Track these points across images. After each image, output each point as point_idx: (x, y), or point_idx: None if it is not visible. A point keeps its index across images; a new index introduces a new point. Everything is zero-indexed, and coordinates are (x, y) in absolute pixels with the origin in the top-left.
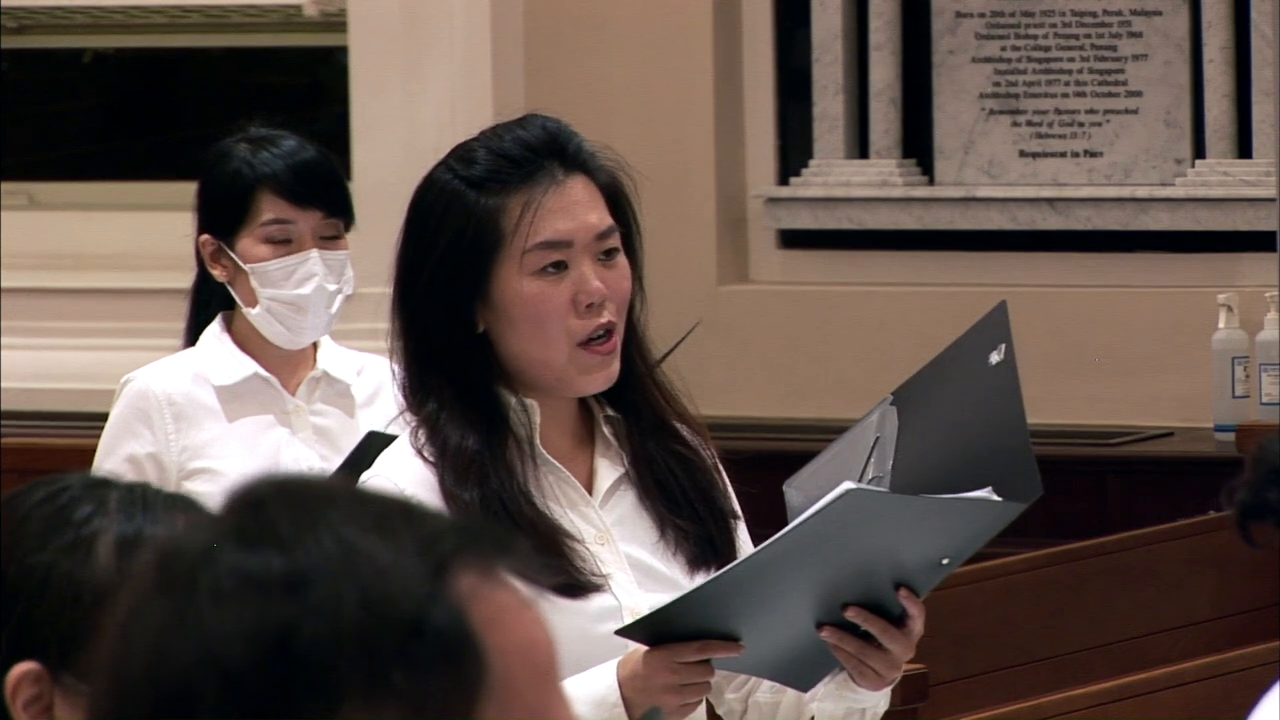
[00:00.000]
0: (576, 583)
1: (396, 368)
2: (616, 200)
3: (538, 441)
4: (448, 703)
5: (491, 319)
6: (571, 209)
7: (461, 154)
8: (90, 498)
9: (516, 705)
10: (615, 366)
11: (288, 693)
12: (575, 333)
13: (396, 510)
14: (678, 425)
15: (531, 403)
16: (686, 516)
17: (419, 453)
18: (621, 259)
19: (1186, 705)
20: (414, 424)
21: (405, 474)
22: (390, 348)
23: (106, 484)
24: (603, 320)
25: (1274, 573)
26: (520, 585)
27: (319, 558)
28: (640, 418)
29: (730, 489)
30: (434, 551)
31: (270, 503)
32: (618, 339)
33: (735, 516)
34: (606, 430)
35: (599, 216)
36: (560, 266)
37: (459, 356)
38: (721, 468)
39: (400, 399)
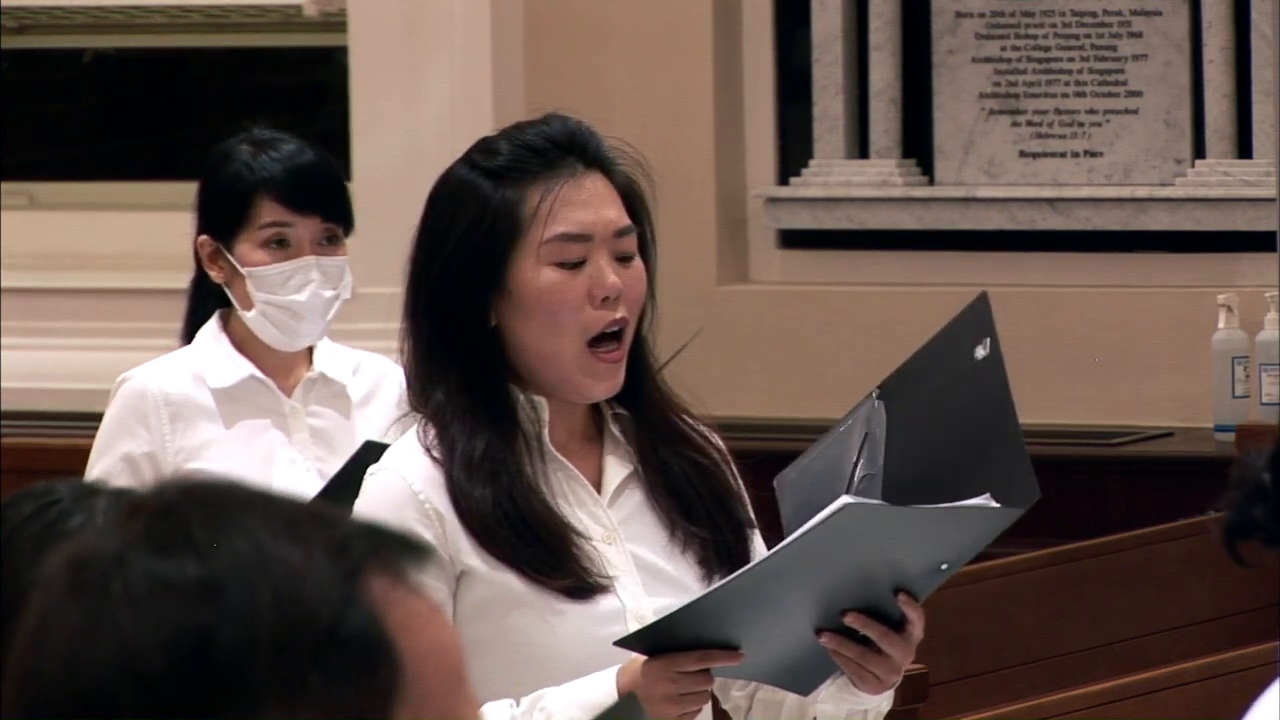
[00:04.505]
0: (583, 584)
1: (405, 363)
2: (632, 203)
3: (546, 438)
4: (364, 706)
5: (506, 311)
6: (590, 202)
7: (482, 146)
8: (81, 508)
9: (428, 708)
10: (620, 377)
11: (205, 698)
12: (588, 327)
13: (306, 515)
14: (693, 434)
15: (540, 399)
16: (704, 524)
17: (427, 450)
18: (638, 263)
19: (1186, 705)
20: (422, 420)
21: (413, 470)
22: (400, 345)
23: (95, 491)
24: (617, 315)
25: (1274, 573)
26: (427, 591)
27: (233, 562)
28: (650, 421)
29: (747, 498)
30: (346, 556)
31: (180, 507)
32: (625, 347)
33: (751, 526)
34: (615, 428)
35: (617, 213)
36: (578, 264)
37: (470, 349)
38: (739, 476)
39: (407, 394)
